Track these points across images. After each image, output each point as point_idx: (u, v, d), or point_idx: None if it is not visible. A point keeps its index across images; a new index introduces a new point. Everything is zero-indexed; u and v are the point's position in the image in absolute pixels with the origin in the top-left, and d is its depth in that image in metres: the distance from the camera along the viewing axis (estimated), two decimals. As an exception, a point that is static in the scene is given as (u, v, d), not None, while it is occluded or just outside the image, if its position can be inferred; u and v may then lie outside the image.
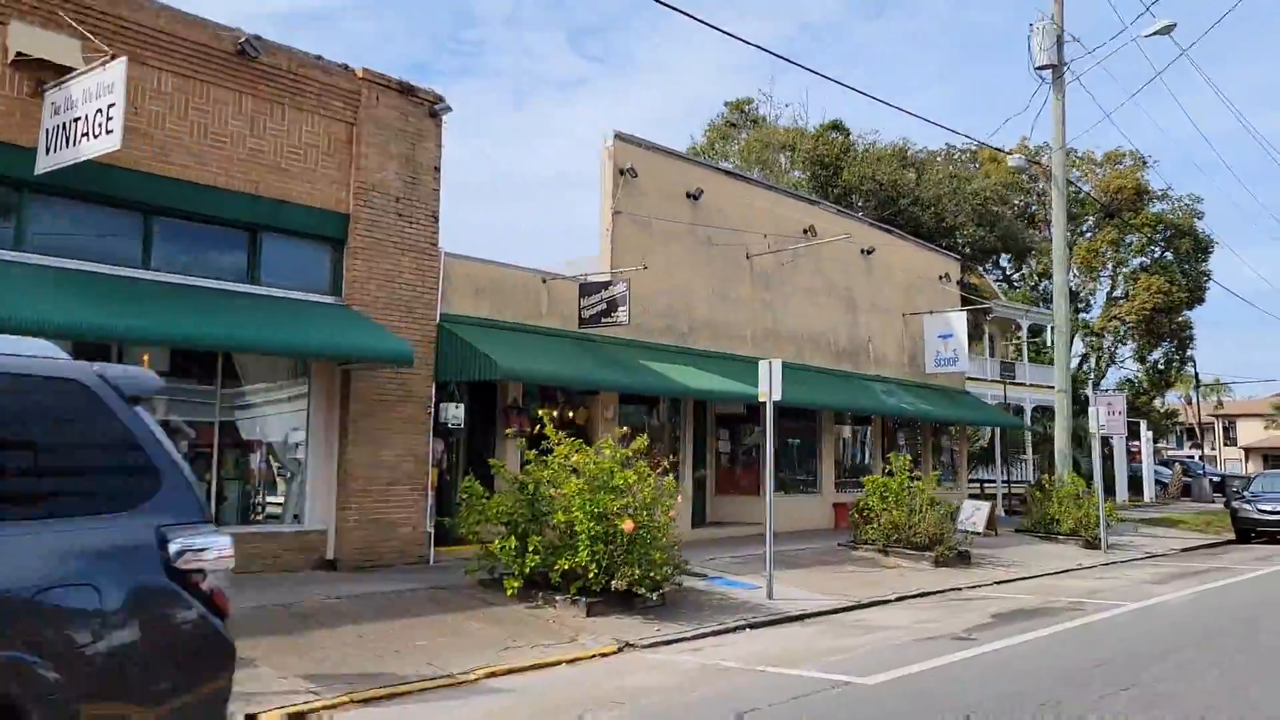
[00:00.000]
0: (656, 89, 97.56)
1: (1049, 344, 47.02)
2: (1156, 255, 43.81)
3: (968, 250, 28.23)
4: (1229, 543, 22.81)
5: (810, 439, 19.80)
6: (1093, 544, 18.86)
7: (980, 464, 29.61)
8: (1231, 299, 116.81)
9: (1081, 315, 45.57)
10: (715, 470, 18.35)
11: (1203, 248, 45.39)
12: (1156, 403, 51.73)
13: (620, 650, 8.18)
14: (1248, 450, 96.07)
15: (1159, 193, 45.81)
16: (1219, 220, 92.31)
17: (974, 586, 13.02)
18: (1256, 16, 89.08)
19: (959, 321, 21.93)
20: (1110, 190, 43.37)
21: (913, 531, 14.85)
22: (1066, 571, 15.45)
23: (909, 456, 15.96)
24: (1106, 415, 29.50)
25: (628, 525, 9.02)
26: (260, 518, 11.11)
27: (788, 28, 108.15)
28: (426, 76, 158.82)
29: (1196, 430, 54.77)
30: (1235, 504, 23.31)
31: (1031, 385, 38.27)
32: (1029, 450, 36.35)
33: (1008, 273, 49.15)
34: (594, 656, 7.93)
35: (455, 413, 12.00)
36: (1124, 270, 42.26)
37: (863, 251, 21.25)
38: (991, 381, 35.17)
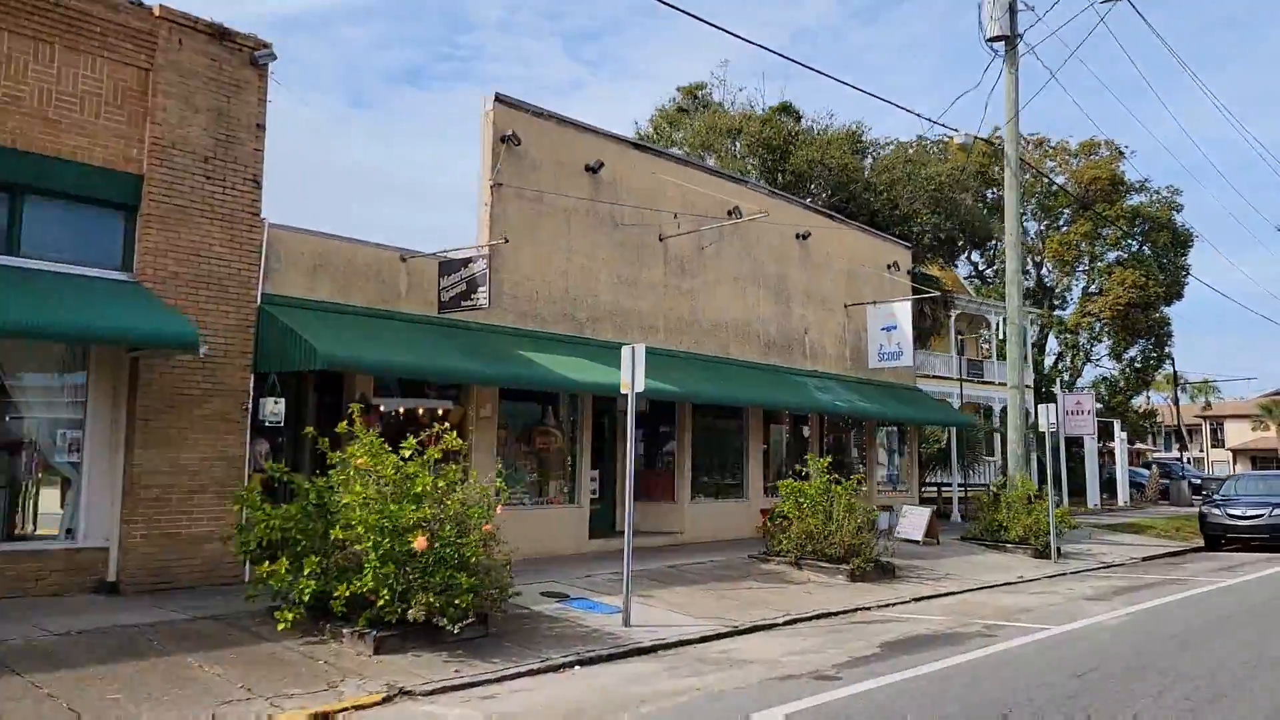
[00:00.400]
0: (652, 94, 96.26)
1: (1028, 341, 45.71)
2: (1134, 249, 42.54)
3: (926, 240, 26.78)
4: (1197, 550, 21.40)
5: (737, 439, 18.27)
6: (1043, 553, 17.41)
7: (941, 466, 28.17)
8: (1218, 300, 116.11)
9: (1057, 312, 44.29)
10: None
11: (1182, 242, 44.16)
12: (1137, 402, 50.51)
13: (388, 700, 6.62)
14: (1235, 452, 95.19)
15: (1136, 184, 44.61)
16: (1208, 223, 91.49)
17: (885, 605, 11.51)
18: (1245, 20, 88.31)
19: (904, 312, 20.45)
20: (1085, 181, 42.08)
21: (828, 542, 13.35)
22: (1002, 586, 13.96)
23: (827, 458, 14.45)
24: (1067, 413, 28.12)
25: (419, 543, 7.45)
26: (28, 532, 9.50)
27: (780, 35, 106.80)
28: (421, 81, 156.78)
29: (1180, 431, 53.45)
30: (1204, 508, 21.90)
31: (1002, 385, 36.95)
32: (997, 452, 34.96)
33: (980, 268, 47.86)
34: (347, 710, 6.38)
35: (274, 409, 10.43)
36: (1099, 265, 40.91)
37: (798, 236, 19.75)
38: (957, 380, 33.80)
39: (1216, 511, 21.42)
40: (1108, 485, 36.68)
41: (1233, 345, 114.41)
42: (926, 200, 26.89)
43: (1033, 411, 22.03)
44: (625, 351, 9.96)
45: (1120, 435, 34.59)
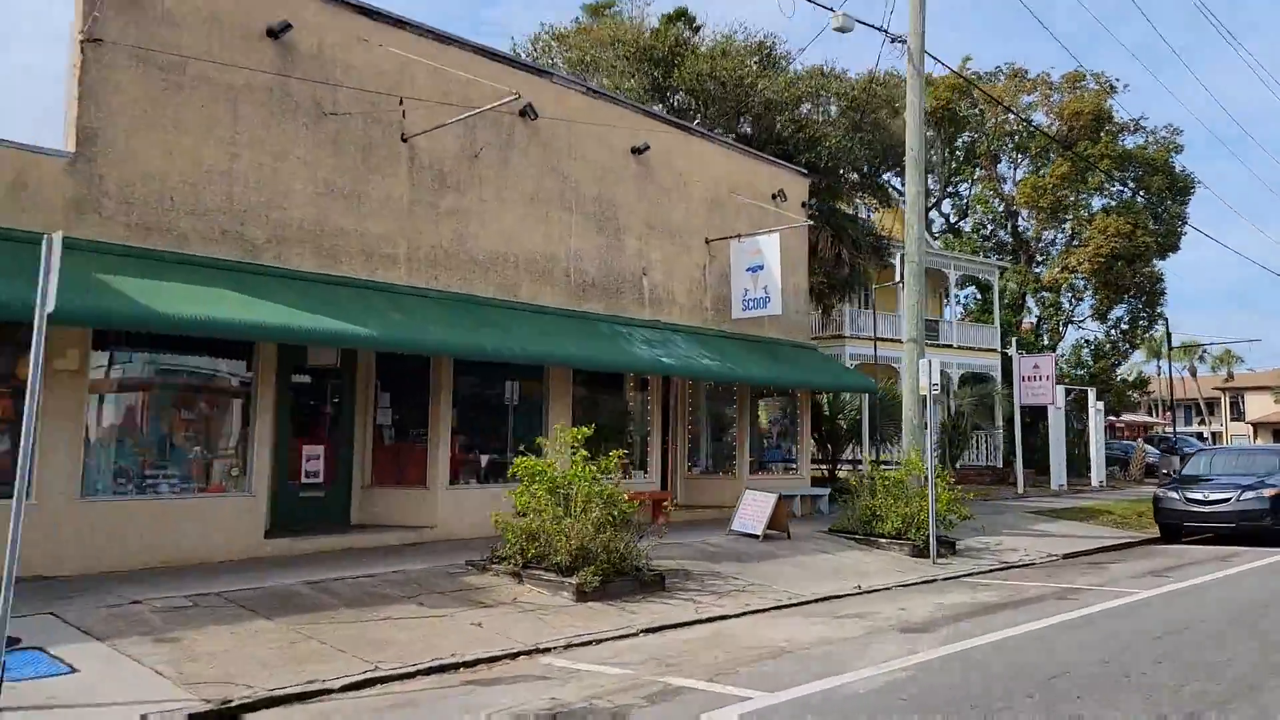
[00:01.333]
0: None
1: (1006, 298, 41.73)
2: (1127, 196, 38.41)
3: (844, 170, 22.88)
4: (1150, 543, 17.70)
5: (530, 408, 14.56)
6: (923, 550, 13.77)
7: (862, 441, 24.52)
8: (1248, 271, 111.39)
9: (1037, 269, 40.29)
10: (372, 451, 13.20)
11: (1181, 188, 40.04)
12: (1127, 368, 46.38)
13: None
14: (1256, 425, 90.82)
15: (1130, 123, 40.37)
16: (1245, 193, 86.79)
17: (576, 645, 7.88)
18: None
19: (771, 248, 16.65)
20: (1066, 116, 37.95)
21: (551, 546, 9.72)
22: (815, 603, 10.33)
23: (587, 429, 10.78)
24: (1024, 379, 24.62)
25: None
26: None
27: None
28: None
29: (1169, 403, 49.43)
30: (1160, 491, 18.15)
31: (960, 348, 33.10)
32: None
33: (951, 220, 43.83)
34: None
35: None
36: (1081, 213, 36.80)
37: (633, 151, 15.98)
38: (891, 341, 29.97)
39: (1173, 495, 17.68)
40: (1082, 461, 32.86)
41: (1258, 317, 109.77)
42: (842, 121, 23.01)
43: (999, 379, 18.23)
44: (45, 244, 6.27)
45: (1096, 406, 30.72)
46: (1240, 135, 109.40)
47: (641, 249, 16.14)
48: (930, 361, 14.50)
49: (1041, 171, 37.97)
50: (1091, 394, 31.39)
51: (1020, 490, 27.22)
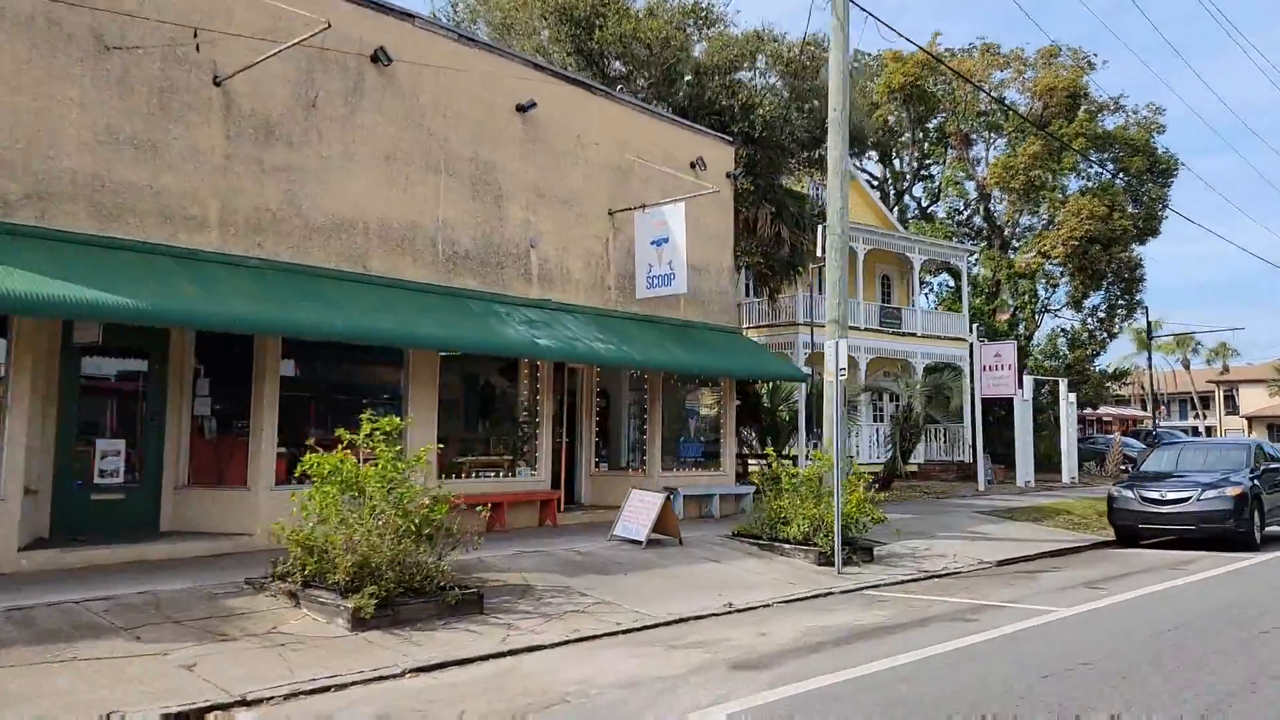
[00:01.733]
0: None
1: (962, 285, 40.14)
2: (1105, 177, 36.79)
3: (786, 140, 21.19)
4: (1103, 546, 16.12)
5: (385, 396, 12.88)
6: (831, 558, 12.16)
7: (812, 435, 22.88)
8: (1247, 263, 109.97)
9: (1012, 254, 38.66)
10: (189, 446, 11.52)
11: (1163, 170, 38.44)
12: (1108, 360, 44.64)
13: None
14: (1251, 419, 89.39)
15: (1110, 103, 38.75)
16: (1249, 192, 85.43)
17: (313, 690, 6.21)
18: None
19: (676, 219, 14.98)
20: (1039, 92, 36.31)
21: (330, 562, 8.06)
22: (671, 625, 8.71)
23: (397, 419, 9.12)
24: (985, 368, 23.52)
25: None
26: None
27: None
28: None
29: (1152, 395, 47.89)
30: (1115, 490, 16.54)
31: (927, 336, 31.48)
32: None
33: (924, 204, 42.22)
34: None
35: None
36: (1053, 195, 35.15)
37: (519, 109, 14.30)
38: (862, 330, 28.34)
39: (1128, 495, 16.07)
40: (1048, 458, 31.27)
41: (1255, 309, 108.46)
42: (783, 89, 21.35)
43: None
44: None
45: (1068, 398, 29.12)
46: (1238, 128, 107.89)
47: (529, 219, 14.47)
48: (838, 344, 12.87)
49: (1014, 151, 36.29)
50: (1063, 385, 29.79)
51: (981, 488, 25.64)
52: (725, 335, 17.54)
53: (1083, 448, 38.61)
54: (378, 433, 8.73)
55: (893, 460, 23.40)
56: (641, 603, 9.43)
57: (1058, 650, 7.67)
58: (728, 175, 18.30)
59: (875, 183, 43.87)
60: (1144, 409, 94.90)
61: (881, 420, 28.41)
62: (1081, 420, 62.51)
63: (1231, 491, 15.22)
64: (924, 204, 41.97)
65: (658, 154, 16.59)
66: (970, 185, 38.98)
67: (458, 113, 13.50)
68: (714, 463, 17.72)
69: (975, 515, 18.68)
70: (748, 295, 29.26)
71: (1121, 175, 37.12)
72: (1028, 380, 28.30)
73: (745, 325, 29.27)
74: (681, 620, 8.96)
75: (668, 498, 12.39)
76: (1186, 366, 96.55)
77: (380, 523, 8.02)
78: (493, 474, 13.97)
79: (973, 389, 27.71)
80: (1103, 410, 76.36)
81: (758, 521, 13.41)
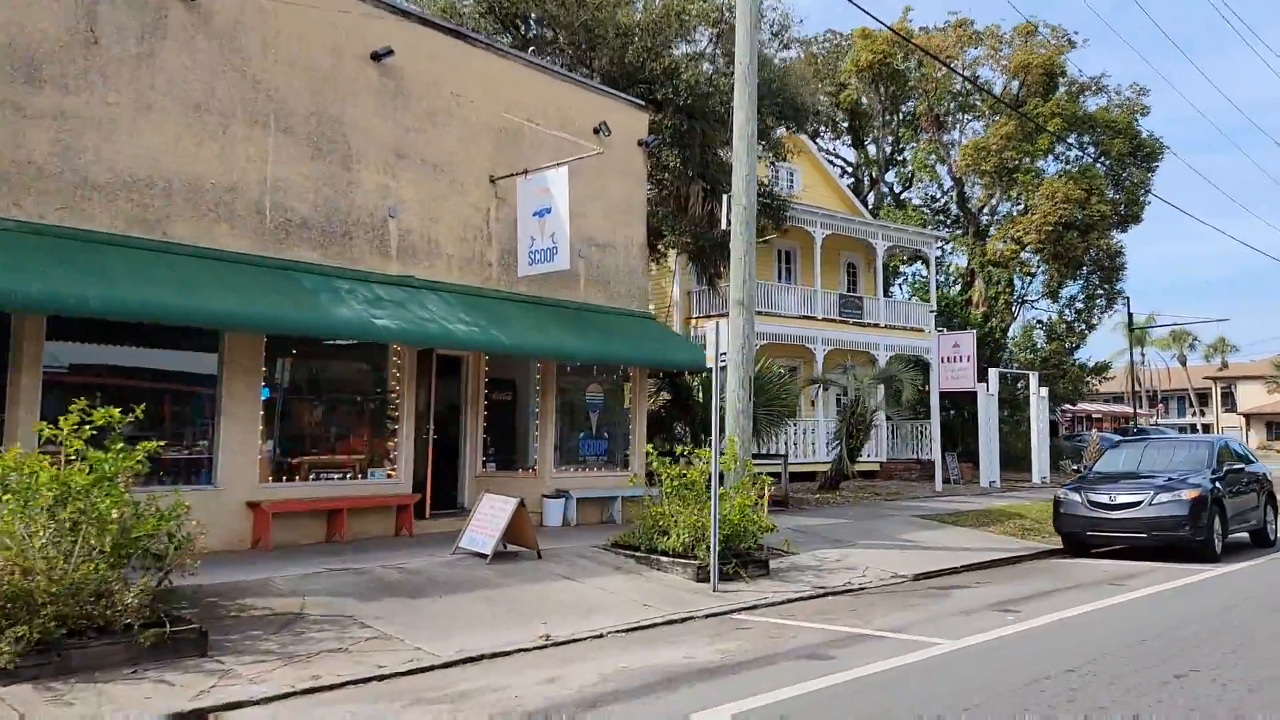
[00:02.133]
0: None
1: (950, 274, 38.46)
2: (1086, 161, 35.09)
3: (725, 115, 19.45)
4: (1047, 556, 14.50)
5: (200, 388, 11.18)
6: (708, 573, 10.52)
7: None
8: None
9: (987, 242, 36.97)
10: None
11: (1146, 154, 36.75)
12: (1086, 354, 42.67)
13: None
14: (1249, 417, 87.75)
15: (1091, 83, 37.05)
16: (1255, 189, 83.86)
17: None
18: None
19: (559, 185, 13.27)
20: (1012, 70, 34.61)
21: (-16, 588, 6.38)
22: (455, 665, 7.05)
23: (113, 410, 7.42)
24: (943, 359, 22.30)
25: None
26: None
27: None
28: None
29: (1135, 392, 46.25)
30: (1062, 492, 14.88)
31: (891, 328, 29.78)
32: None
33: (896, 189, 40.54)
34: None
35: None
36: (1028, 178, 33.43)
37: (373, 57, 12.60)
38: (799, 319, 26.71)
39: (1075, 498, 14.42)
40: (1017, 459, 29.62)
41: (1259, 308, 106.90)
42: (717, 54, 19.64)
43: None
44: None
45: (1039, 392, 27.46)
46: (1243, 125, 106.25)
47: (388, 185, 12.78)
48: (718, 325, 11.15)
49: (987, 132, 34.58)
50: (1033, 378, 28.11)
51: (939, 488, 24.03)
52: (633, 320, 15.86)
53: (1067, 445, 37.02)
54: (87, 427, 7.04)
55: (839, 459, 21.72)
56: (434, 637, 7.76)
57: (901, 705, 6.01)
58: (640, 143, 16.60)
59: (849, 169, 42.22)
60: (1143, 406, 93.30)
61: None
62: (1072, 418, 61.03)
63: (1188, 494, 13.57)
64: (897, 190, 40.26)
65: (553, 117, 14.90)
66: (944, 170, 37.28)
67: (292, 59, 11.80)
68: (622, 462, 16.05)
69: (915, 520, 17.04)
70: (698, 283, 27.65)
71: (1102, 159, 35.46)
72: (993, 373, 26.66)
73: (694, 315, 27.65)
74: (472, 660, 7.30)
75: (520, 504, 10.70)
76: (1183, 362, 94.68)
77: (51, 540, 6.33)
78: (339, 476, 12.28)
79: (931, 383, 26.08)
80: (1094, 407, 74.84)
81: (640, 530, 11.75)
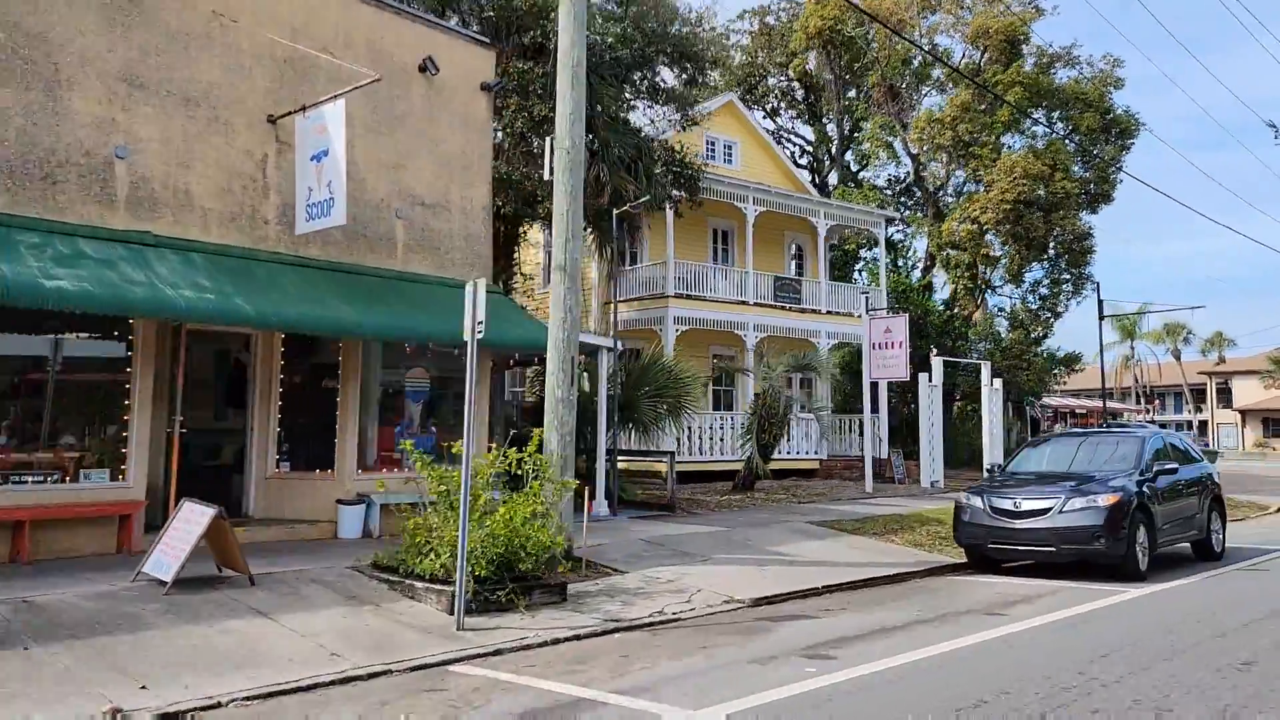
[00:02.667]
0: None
1: (901, 256, 36.30)
2: (1049, 135, 32.89)
3: (609, 63, 17.21)
4: (948, 571, 12.30)
5: None
6: (484, 599, 8.28)
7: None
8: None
9: (945, 222, 34.72)
10: None
11: (1121, 131, 34.57)
12: (1058, 344, 40.38)
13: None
14: (1244, 413, 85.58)
15: (1062, 53, 34.78)
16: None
17: None
18: None
19: (336, 122, 10.98)
20: (970, 36, 32.38)
21: None
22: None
23: None
24: (874, 346, 20.29)
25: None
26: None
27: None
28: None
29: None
30: (964, 497, 12.66)
31: (834, 314, 27.53)
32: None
33: (853, 168, 38.31)
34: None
35: None
36: (986, 152, 31.17)
37: (93, -40, 10.35)
38: (731, 304, 24.49)
39: (977, 503, 12.21)
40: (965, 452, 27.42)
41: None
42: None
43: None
44: None
45: (992, 385, 25.26)
46: (1251, 122, 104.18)
47: (113, 118, 10.50)
48: (477, 285, 8.86)
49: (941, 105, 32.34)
50: (985, 369, 25.89)
51: (869, 488, 21.80)
52: (434, 287, 13.50)
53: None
54: None
55: (751, 458, 19.48)
56: (-56, 708, 5.52)
57: None
58: (484, 87, 14.34)
59: (809, 148, 39.98)
60: (1137, 402, 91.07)
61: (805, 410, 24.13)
62: (1054, 413, 58.67)
63: (1105, 500, 11.34)
64: (855, 169, 38.00)
65: (361, 49, 12.65)
66: (902, 148, 35.00)
67: (-31, -43, 9.55)
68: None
69: (810, 527, 14.82)
70: (624, 264, 25.44)
71: (1072, 135, 33.26)
72: (936, 362, 24.44)
73: (618, 299, 25.41)
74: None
75: (218, 515, 8.44)
76: (1177, 357, 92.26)
77: None
78: (42, 478, 10.01)
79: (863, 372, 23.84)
80: (1080, 402, 72.58)
81: (402, 549, 9.50)
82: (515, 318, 14.07)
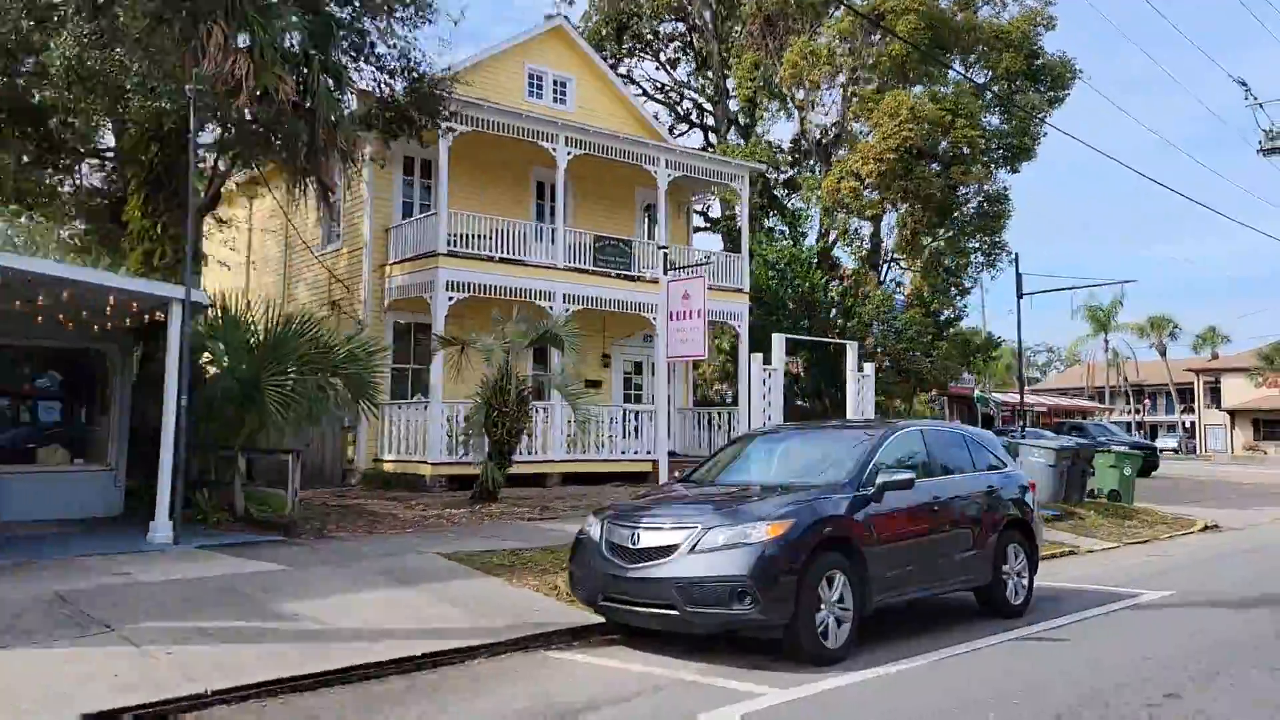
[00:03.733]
0: None
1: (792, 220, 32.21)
2: (957, 78, 28.78)
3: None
4: (551, 640, 8.06)
5: None
6: None
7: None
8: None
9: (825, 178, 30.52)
10: None
11: (1052, 78, 30.56)
12: (973, 325, 36.09)
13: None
14: (1234, 414, 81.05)
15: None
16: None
17: None
18: None
19: None
20: (857, -43, 28.14)
21: None
22: None
23: None
24: (670, 316, 16.20)
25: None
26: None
27: None
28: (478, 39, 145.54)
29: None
30: (586, 528, 8.32)
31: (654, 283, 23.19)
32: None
33: (741, 123, 34.09)
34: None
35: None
36: (867, 90, 26.94)
37: None
38: (540, 269, 20.25)
39: (594, 534, 7.98)
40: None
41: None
42: None
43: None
44: None
45: (857, 370, 21.10)
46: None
47: None
48: None
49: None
50: (851, 352, 21.65)
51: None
52: None
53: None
54: None
55: (485, 464, 15.23)
56: None
57: None
58: None
59: (709, 107, 35.78)
60: (1128, 402, 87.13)
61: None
62: (1012, 411, 54.37)
63: (761, 533, 7.14)
64: (744, 124, 33.77)
65: None
66: (784, 92, 30.77)
67: None
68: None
69: (430, 564, 10.53)
70: (403, 216, 21.32)
71: (993, 81, 29.20)
72: (777, 339, 20.29)
73: (391, 260, 21.13)
74: None
75: None
76: (1162, 353, 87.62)
77: None
78: None
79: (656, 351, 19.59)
80: (1055, 401, 68.56)
81: None
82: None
